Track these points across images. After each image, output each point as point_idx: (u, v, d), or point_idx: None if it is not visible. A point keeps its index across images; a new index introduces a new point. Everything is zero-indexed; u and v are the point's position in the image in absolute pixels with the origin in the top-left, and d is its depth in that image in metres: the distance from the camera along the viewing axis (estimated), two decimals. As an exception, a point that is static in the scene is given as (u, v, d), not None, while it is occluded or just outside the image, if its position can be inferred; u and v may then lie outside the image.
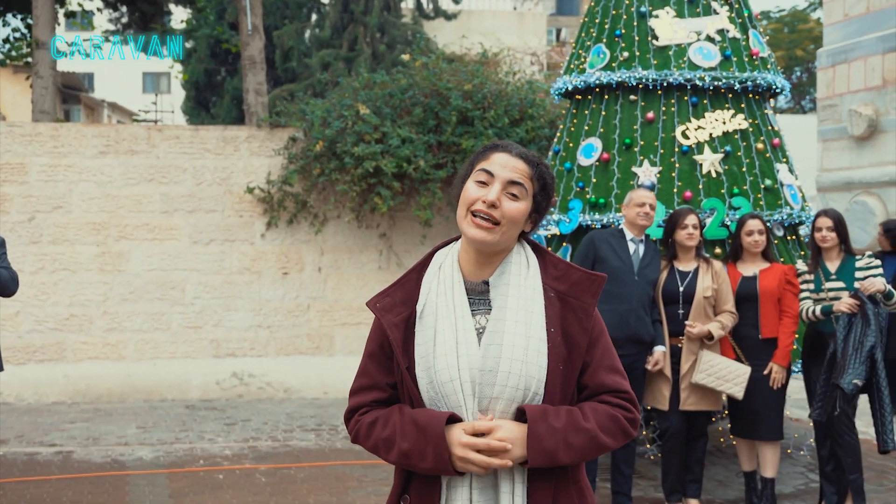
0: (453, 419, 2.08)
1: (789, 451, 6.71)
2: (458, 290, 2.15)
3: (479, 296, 2.16)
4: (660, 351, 5.34)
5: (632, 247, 5.42)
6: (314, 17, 21.95)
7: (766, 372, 5.35)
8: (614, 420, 2.11)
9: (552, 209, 6.58)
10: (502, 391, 2.06)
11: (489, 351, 2.08)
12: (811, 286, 5.38)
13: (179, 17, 18.22)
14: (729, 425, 5.85)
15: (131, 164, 9.16)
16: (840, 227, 5.37)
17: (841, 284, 5.30)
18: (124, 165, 9.16)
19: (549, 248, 5.33)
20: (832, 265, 5.38)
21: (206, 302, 9.28)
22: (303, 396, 9.26)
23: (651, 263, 5.41)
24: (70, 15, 11.26)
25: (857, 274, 5.28)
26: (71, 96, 24.44)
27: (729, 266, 5.54)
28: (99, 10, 11.47)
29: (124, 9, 11.45)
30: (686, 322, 5.32)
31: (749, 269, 5.50)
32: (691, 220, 5.38)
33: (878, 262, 5.37)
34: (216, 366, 9.25)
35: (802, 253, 6.38)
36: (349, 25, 20.62)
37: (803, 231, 6.55)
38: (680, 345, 5.38)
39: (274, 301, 9.40)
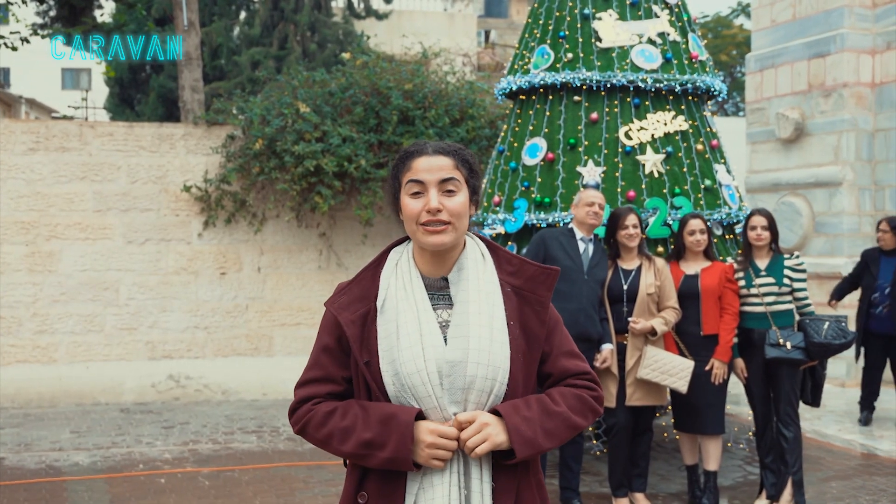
0: (421, 416, 2.09)
1: (729, 444, 6.89)
2: (416, 285, 2.18)
3: (438, 291, 2.19)
4: (608, 349, 5.42)
5: (581, 246, 5.49)
6: (244, 14, 21.65)
7: (707, 368, 5.48)
8: (581, 400, 2.21)
9: (498, 209, 6.62)
10: (473, 381, 2.09)
11: (456, 343, 2.10)
12: (742, 283, 5.55)
13: (109, 11, 17.72)
14: (672, 420, 5.98)
15: (62, 162, 8.90)
16: (773, 225, 5.58)
17: (771, 280, 5.47)
18: (55, 163, 8.89)
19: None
20: (762, 262, 5.56)
21: (140, 303, 9.07)
22: (241, 398, 9.12)
23: (600, 263, 5.50)
24: (-8, 7, 10.87)
25: (787, 273, 5.47)
26: (-14, 92, 23.58)
27: (672, 264, 5.66)
28: (24, 1, 11.06)
29: (52, 1, 11.09)
30: (630, 318, 5.42)
31: (691, 267, 5.62)
32: (631, 220, 5.47)
33: (804, 262, 5.60)
34: (152, 368, 9.05)
35: (740, 252, 6.56)
36: (279, 23, 20.41)
37: (740, 230, 6.73)
38: (625, 342, 5.47)
39: (211, 301, 9.24)
